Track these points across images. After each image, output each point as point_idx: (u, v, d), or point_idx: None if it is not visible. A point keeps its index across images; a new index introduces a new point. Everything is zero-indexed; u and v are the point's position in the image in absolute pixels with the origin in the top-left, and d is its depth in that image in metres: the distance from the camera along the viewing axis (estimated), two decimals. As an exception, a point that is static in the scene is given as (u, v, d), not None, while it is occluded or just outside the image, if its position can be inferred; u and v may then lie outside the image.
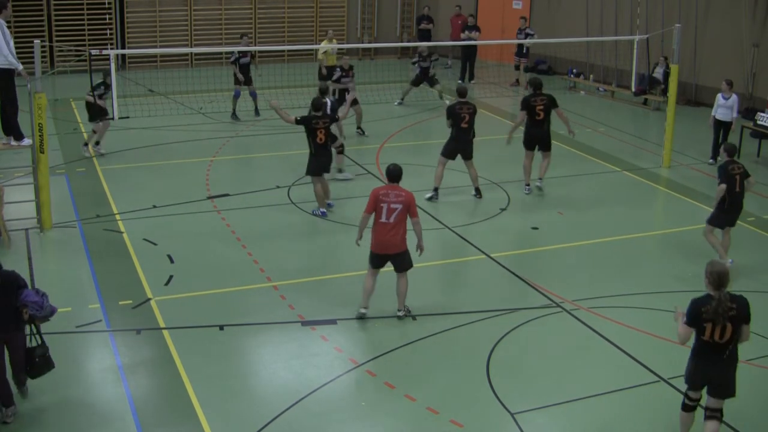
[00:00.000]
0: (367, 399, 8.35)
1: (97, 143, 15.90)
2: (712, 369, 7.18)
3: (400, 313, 9.74)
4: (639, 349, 9.30)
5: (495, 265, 11.51)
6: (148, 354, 9.08)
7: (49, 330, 9.37)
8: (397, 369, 8.82)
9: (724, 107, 15.93)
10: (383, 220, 9.45)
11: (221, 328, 9.57)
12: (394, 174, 9.69)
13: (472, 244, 12.16)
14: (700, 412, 7.48)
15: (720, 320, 6.96)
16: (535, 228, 12.98)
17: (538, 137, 14.23)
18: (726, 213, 11.14)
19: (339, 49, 20.83)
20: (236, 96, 18.90)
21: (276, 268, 11.17)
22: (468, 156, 13.96)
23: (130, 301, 10.15)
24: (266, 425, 7.80)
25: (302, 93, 18.63)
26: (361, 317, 9.69)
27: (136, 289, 10.49)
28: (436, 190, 13.89)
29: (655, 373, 8.81)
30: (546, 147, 14.29)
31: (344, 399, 8.38)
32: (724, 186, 10.90)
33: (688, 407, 7.46)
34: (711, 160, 16.38)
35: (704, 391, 7.38)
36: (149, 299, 10.22)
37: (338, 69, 17.45)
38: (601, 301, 10.43)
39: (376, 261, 9.66)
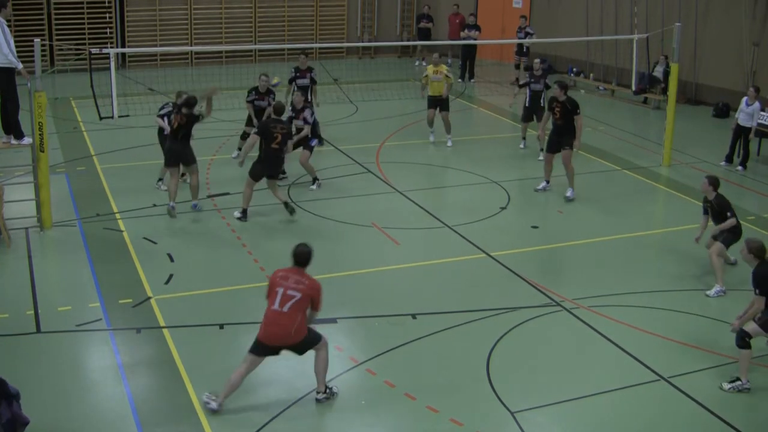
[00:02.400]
0: (367, 398, 8.34)
1: None
2: None
3: (319, 396, 8.12)
4: (639, 347, 9.30)
5: (495, 264, 11.50)
6: (148, 353, 9.07)
7: (49, 329, 9.41)
8: (397, 368, 8.82)
9: (746, 113, 15.94)
10: (275, 307, 7.82)
11: (221, 327, 9.57)
12: (301, 257, 8.07)
13: (472, 243, 12.16)
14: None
15: None
16: (535, 227, 12.98)
17: None
18: (736, 234, 10.99)
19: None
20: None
21: (276, 267, 11.12)
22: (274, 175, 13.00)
23: (130, 300, 10.15)
24: (266, 424, 7.80)
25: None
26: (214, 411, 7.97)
27: (136, 287, 10.49)
28: (244, 211, 12.78)
29: (655, 372, 8.81)
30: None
31: (344, 398, 8.37)
32: (734, 220, 10.91)
33: (748, 344, 8.53)
34: (723, 163, 16.34)
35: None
36: (149, 298, 10.22)
37: (293, 69, 16.17)
38: (601, 300, 10.43)
39: (262, 351, 7.98)
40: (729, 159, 16.39)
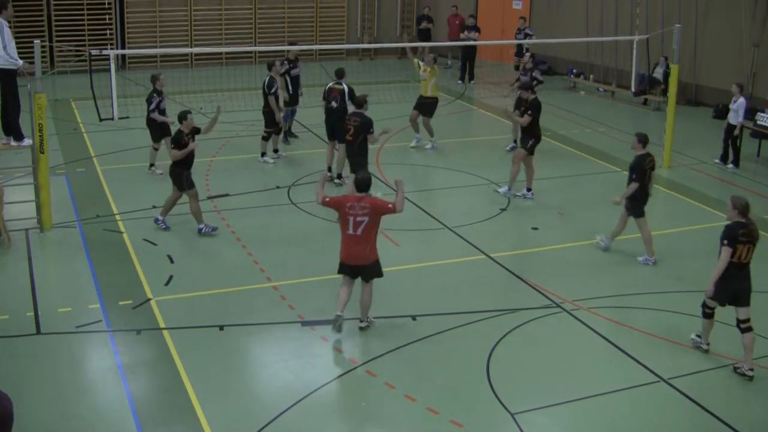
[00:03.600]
0: (367, 399, 8.35)
1: None
2: (736, 284, 8.65)
3: (362, 324, 9.47)
4: (639, 349, 9.30)
5: (495, 265, 11.51)
6: (148, 354, 9.07)
7: (49, 330, 9.42)
8: (397, 369, 8.82)
9: (732, 111, 15.97)
10: (350, 232, 9.14)
11: (221, 328, 9.57)
12: (363, 184, 9.23)
13: (472, 244, 12.16)
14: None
15: (752, 242, 8.50)
16: (535, 228, 12.98)
17: None
18: (639, 201, 11.48)
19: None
20: (286, 118, 16.68)
21: (276, 268, 11.17)
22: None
23: (130, 301, 10.15)
24: (266, 425, 7.80)
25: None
26: (338, 324, 9.15)
27: (136, 289, 10.49)
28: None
29: (655, 373, 8.81)
30: None
31: (344, 399, 8.38)
32: (636, 185, 11.31)
33: (710, 315, 8.98)
34: (726, 164, 16.35)
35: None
36: (149, 299, 10.22)
37: (285, 61, 16.28)
38: (601, 301, 10.44)
39: (348, 271, 9.35)
40: (734, 161, 16.39)
